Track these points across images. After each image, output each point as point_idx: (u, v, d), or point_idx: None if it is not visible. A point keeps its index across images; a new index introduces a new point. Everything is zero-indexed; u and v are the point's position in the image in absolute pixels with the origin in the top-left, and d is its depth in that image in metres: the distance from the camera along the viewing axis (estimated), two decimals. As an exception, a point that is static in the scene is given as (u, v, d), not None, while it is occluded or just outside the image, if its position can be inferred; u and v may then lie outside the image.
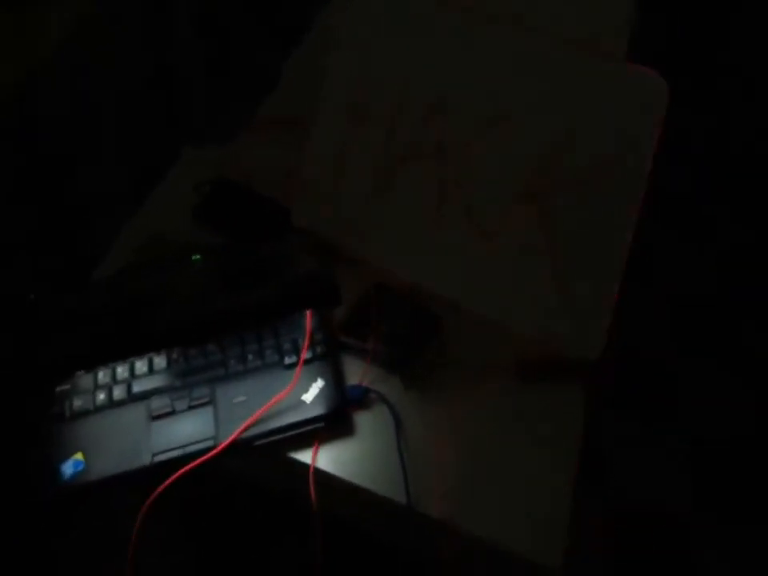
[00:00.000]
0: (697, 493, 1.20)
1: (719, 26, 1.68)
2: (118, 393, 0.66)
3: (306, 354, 0.67)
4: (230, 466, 0.66)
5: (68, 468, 0.62)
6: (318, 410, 0.65)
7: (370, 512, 0.68)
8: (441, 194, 0.72)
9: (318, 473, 0.64)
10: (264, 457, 0.66)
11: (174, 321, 0.63)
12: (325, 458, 0.65)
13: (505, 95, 0.69)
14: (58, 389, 0.67)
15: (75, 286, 0.71)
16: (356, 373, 0.70)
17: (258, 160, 0.84)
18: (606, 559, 1.12)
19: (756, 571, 1.13)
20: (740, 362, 1.35)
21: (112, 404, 0.66)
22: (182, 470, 0.60)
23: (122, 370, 0.68)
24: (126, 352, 0.66)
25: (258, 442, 0.64)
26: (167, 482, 0.59)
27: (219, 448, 0.62)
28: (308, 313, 0.69)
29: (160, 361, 0.68)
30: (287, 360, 0.68)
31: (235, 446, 0.62)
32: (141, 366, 0.68)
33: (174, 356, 0.68)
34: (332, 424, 0.66)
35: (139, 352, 0.68)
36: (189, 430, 0.64)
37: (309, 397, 0.66)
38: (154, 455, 0.62)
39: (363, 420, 0.67)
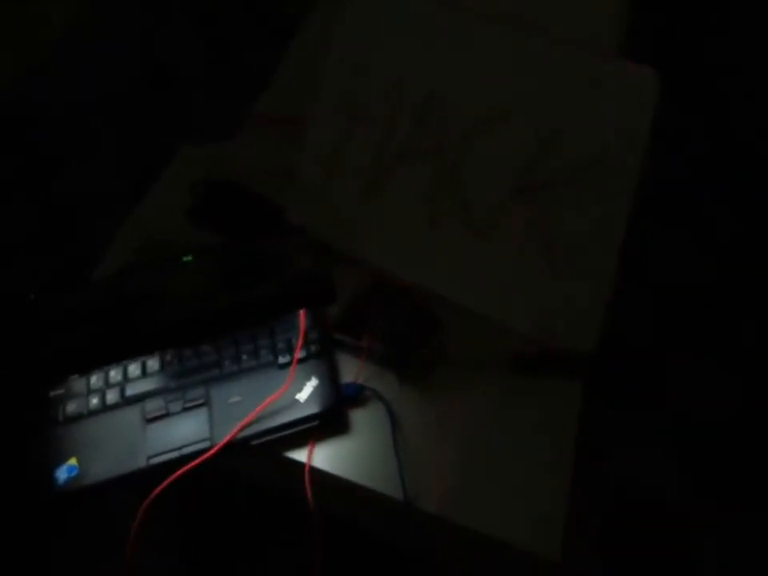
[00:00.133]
0: (689, 481, 1.21)
1: (717, 22, 1.69)
2: (112, 396, 0.66)
3: (300, 353, 0.67)
4: (226, 467, 0.66)
5: (62, 473, 0.62)
6: (313, 409, 0.65)
7: (367, 509, 0.68)
8: (437, 193, 0.72)
9: (314, 471, 0.64)
10: (260, 457, 0.66)
11: (171, 321, 0.62)
12: (321, 457, 0.65)
13: (501, 94, 0.69)
14: (52, 393, 0.66)
15: (72, 287, 0.70)
16: (351, 371, 0.70)
17: (253, 159, 0.83)
18: (603, 550, 1.12)
19: (752, 557, 1.13)
20: (731, 353, 1.36)
21: (105, 408, 0.66)
22: (179, 472, 0.60)
23: (114, 374, 0.67)
24: (123, 353, 0.65)
25: (253, 442, 0.64)
26: (164, 484, 0.59)
27: (215, 449, 0.62)
28: (301, 312, 0.69)
29: (153, 363, 0.68)
30: (281, 359, 0.68)
31: (231, 446, 0.62)
32: (134, 368, 0.68)
33: (168, 358, 0.68)
34: (327, 422, 0.66)
35: (136, 353, 0.67)
36: (184, 432, 0.64)
37: (303, 396, 0.65)
38: (149, 458, 0.62)
39: (359, 418, 0.67)
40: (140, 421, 0.65)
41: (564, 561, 0.59)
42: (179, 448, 0.63)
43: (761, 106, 1.64)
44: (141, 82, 1.60)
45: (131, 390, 0.66)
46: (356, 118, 0.74)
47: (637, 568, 1.12)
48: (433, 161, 0.72)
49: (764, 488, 1.20)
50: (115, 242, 0.81)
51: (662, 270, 1.44)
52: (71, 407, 0.66)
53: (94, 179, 1.48)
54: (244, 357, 0.68)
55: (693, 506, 1.18)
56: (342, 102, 0.74)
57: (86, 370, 0.67)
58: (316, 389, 0.66)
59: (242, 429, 0.63)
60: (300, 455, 0.65)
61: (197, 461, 0.61)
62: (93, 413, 0.65)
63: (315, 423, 0.65)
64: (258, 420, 0.64)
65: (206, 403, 0.65)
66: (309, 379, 0.66)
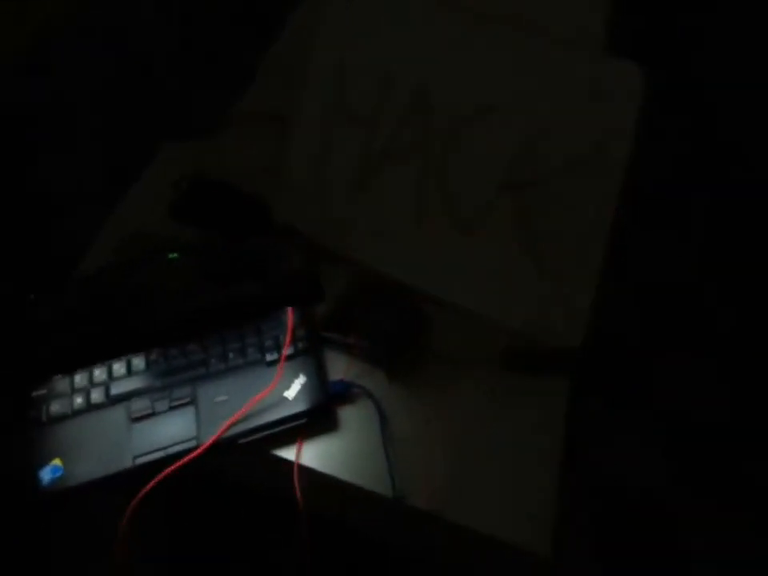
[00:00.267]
0: (678, 480, 1.22)
1: (700, 20, 1.70)
2: (96, 396, 0.65)
3: (288, 350, 0.67)
4: (214, 466, 0.66)
5: (46, 474, 0.61)
6: (301, 406, 0.65)
7: (357, 507, 0.68)
8: (424, 190, 0.71)
9: (303, 469, 0.63)
10: (247, 455, 0.65)
11: (158, 319, 0.61)
12: (309, 455, 0.64)
13: (487, 91, 0.69)
14: (34, 393, 0.65)
15: (55, 286, 0.69)
16: (339, 369, 0.69)
17: (236, 156, 0.83)
18: (592, 544, 1.13)
19: (739, 556, 1.15)
20: (718, 351, 1.37)
21: (90, 407, 0.65)
22: (165, 472, 0.59)
23: (99, 373, 0.66)
24: (109, 352, 0.65)
25: (241, 441, 0.63)
26: (150, 484, 0.58)
27: (202, 448, 0.61)
28: (289, 309, 0.68)
29: (138, 362, 0.67)
30: (269, 357, 0.67)
31: (218, 445, 0.62)
32: (119, 367, 0.67)
33: (153, 356, 0.67)
34: (315, 420, 0.65)
35: (122, 351, 0.67)
36: (170, 431, 0.63)
37: (291, 393, 0.65)
38: (135, 458, 0.61)
39: (347, 415, 0.67)
40: (125, 420, 0.64)
41: (556, 558, 0.59)
42: (165, 448, 0.62)
43: (741, 98, 1.65)
44: (120, 77, 1.58)
45: (116, 389, 0.65)
46: (343, 116, 0.73)
47: (626, 566, 1.13)
48: (419, 158, 0.71)
49: (752, 487, 1.22)
50: (97, 239, 0.80)
51: (645, 267, 1.45)
52: (55, 407, 0.65)
53: (73, 177, 1.46)
54: (231, 355, 0.67)
55: (681, 504, 1.19)
56: (328, 100, 0.74)
57: (70, 370, 0.66)
58: (304, 386, 0.65)
59: (230, 427, 0.62)
60: (288, 453, 0.64)
61: (184, 460, 0.60)
62: (77, 413, 0.64)
63: (303, 421, 0.65)
64: (245, 418, 0.63)
65: (193, 402, 0.65)
66: (297, 377, 0.66)
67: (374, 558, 0.97)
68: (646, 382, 1.32)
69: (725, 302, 1.43)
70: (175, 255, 0.68)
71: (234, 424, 0.63)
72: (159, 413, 0.64)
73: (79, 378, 0.66)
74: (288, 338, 0.67)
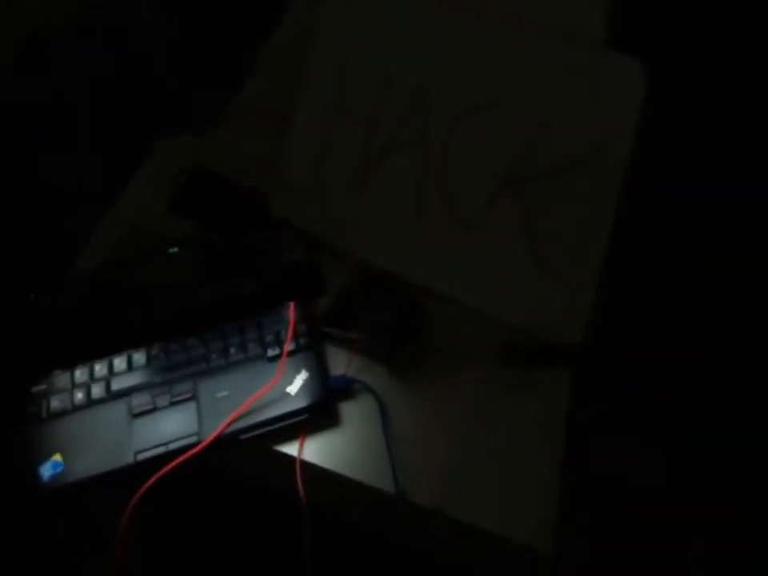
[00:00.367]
0: (676, 475, 1.22)
1: (700, 20, 1.70)
2: (97, 391, 0.65)
3: (289, 346, 0.66)
4: (215, 462, 0.65)
5: (46, 470, 0.60)
6: (303, 402, 0.64)
7: (358, 502, 0.68)
8: (424, 187, 0.71)
9: (305, 465, 0.63)
10: (249, 451, 0.65)
11: (159, 314, 0.61)
12: (311, 450, 0.64)
13: (487, 87, 0.69)
14: (34, 389, 0.65)
15: (51, 284, 0.69)
16: (340, 364, 0.69)
17: (234, 150, 0.82)
18: (592, 544, 1.13)
19: (738, 555, 1.15)
20: (714, 347, 1.37)
21: (91, 403, 0.64)
22: (167, 468, 0.59)
23: (100, 368, 0.66)
24: (111, 347, 0.64)
25: (242, 437, 0.63)
26: (152, 480, 0.58)
27: (203, 444, 0.61)
28: (291, 304, 0.68)
29: (139, 357, 0.67)
30: (270, 352, 0.67)
31: (220, 441, 0.61)
32: (119, 362, 0.66)
33: (154, 352, 0.67)
34: (317, 415, 0.65)
35: (123, 347, 0.66)
36: (172, 427, 0.63)
37: (293, 389, 0.65)
38: (136, 453, 0.61)
39: (349, 410, 0.67)
40: (126, 416, 0.64)
41: (555, 558, 0.59)
42: (167, 443, 0.62)
43: (739, 93, 1.66)
44: (120, 77, 1.58)
45: (117, 385, 0.65)
46: (343, 115, 0.73)
47: (626, 566, 1.13)
48: (419, 157, 0.71)
49: (752, 487, 1.21)
50: (95, 235, 0.80)
51: (645, 267, 1.45)
52: (55, 402, 0.64)
53: (73, 177, 1.46)
54: (232, 350, 0.67)
55: (681, 504, 1.19)
56: (328, 100, 0.74)
57: (71, 365, 0.66)
58: (306, 382, 0.65)
59: (231, 423, 0.62)
60: (289, 449, 0.64)
61: (185, 456, 0.60)
62: (77, 408, 0.64)
63: (305, 417, 0.64)
64: (247, 414, 0.63)
65: (194, 397, 0.65)
66: (299, 372, 0.66)
67: (375, 554, 0.97)
68: (645, 382, 1.32)
69: (725, 302, 1.43)
70: (176, 250, 0.67)
71: (235, 420, 0.62)
72: (160, 408, 0.64)
73: (79, 373, 0.66)
74: (290, 334, 0.67)
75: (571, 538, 1.05)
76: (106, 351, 0.66)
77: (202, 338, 0.68)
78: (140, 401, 0.64)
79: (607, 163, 0.67)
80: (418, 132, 0.71)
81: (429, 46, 0.70)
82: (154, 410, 0.64)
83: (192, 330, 0.67)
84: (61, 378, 0.66)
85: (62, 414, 0.64)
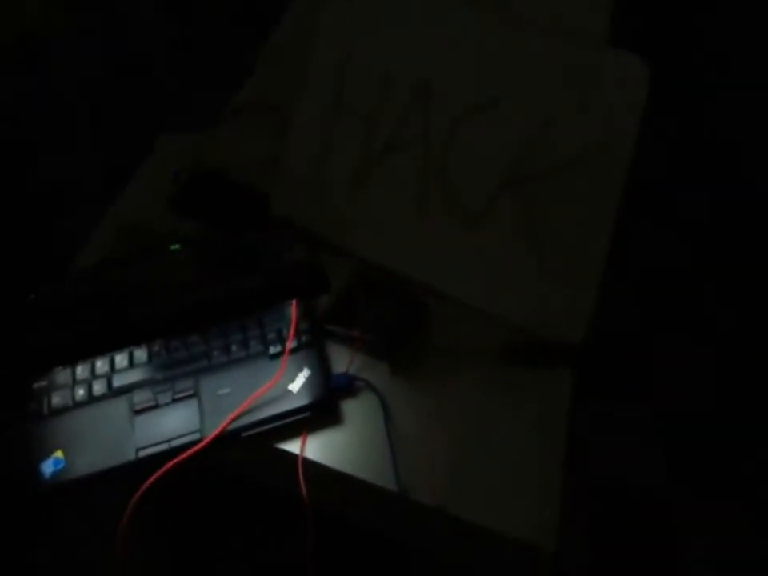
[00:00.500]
0: (676, 475, 1.22)
1: (700, 20, 1.70)
2: (98, 387, 0.65)
3: (291, 343, 0.66)
4: (216, 460, 0.65)
5: (48, 467, 0.60)
6: (305, 400, 0.64)
7: (360, 500, 0.68)
8: (425, 185, 0.71)
9: (307, 462, 0.63)
10: (251, 449, 0.65)
11: (162, 311, 0.61)
12: (313, 448, 0.64)
13: (489, 84, 0.69)
14: (35, 385, 0.65)
15: (51, 283, 0.69)
16: (342, 361, 0.69)
17: (235, 149, 0.82)
18: (592, 544, 1.13)
19: (738, 555, 1.15)
20: (714, 347, 1.38)
21: (92, 399, 0.64)
22: (168, 465, 0.59)
23: (101, 364, 0.66)
24: (113, 344, 0.64)
25: (244, 434, 0.63)
26: (154, 477, 0.58)
27: (206, 441, 0.60)
28: (293, 301, 0.68)
29: (141, 354, 0.66)
30: (272, 350, 0.67)
31: (222, 438, 0.61)
32: (121, 359, 0.66)
33: (156, 348, 0.67)
34: (319, 413, 0.65)
35: (125, 344, 0.66)
36: (173, 424, 0.63)
37: (295, 386, 0.65)
38: (138, 451, 0.61)
39: (351, 408, 0.67)
40: (128, 413, 0.63)
41: (556, 558, 0.59)
42: (169, 440, 0.61)
43: (737, 92, 1.66)
44: (120, 77, 1.58)
45: (118, 381, 0.65)
46: (343, 110, 0.73)
47: (626, 566, 1.13)
48: (420, 152, 0.71)
49: (752, 487, 1.21)
50: (95, 234, 0.80)
51: (645, 267, 1.45)
52: (56, 399, 0.64)
53: (73, 177, 1.46)
54: (233, 347, 0.67)
55: (681, 504, 1.19)
56: (328, 99, 0.74)
57: (73, 362, 0.65)
58: (308, 379, 0.65)
59: (233, 420, 0.62)
60: (292, 447, 0.64)
61: (187, 453, 0.60)
62: (79, 404, 0.64)
63: (307, 414, 0.64)
64: (249, 411, 0.63)
65: (196, 394, 0.64)
66: (300, 370, 0.65)
67: (376, 552, 0.96)
68: (645, 382, 1.32)
69: (725, 302, 1.43)
70: (177, 247, 0.67)
71: (237, 417, 0.62)
72: (162, 405, 0.64)
73: (81, 370, 0.66)
74: (292, 331, 0.67)
75: (571, 538, 1.04)
76: (107, 349, 0.66)
77: (204, 335, 0.67)
78: (141, 398, 0.64)
79: (608, 163, 0.67)
80: (418, 131, 0.71)
81: (429, 46, 0.70)
82: (156, 406, 0.64)
83: (194, 328, 0.67)
84: (62, 375, 0.66)
85: (63, 410, 0.64)
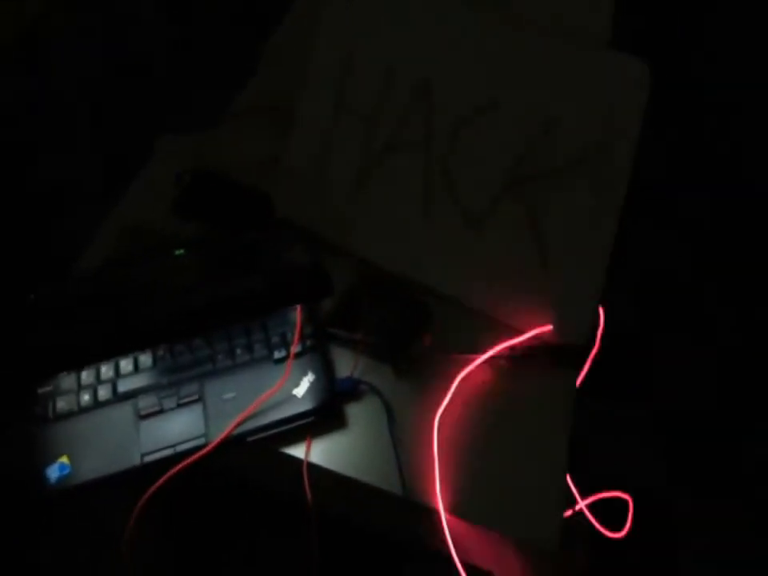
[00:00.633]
0: (676, 475, 1.22)
1: (700, 20, 1.70)
2: (103, 393, 0.64)
3: (296, 348, 0.66)
4: (222, 464, 0.65)
5: (53, 472, 0.60)
6: (310, 404, 0.64)
7: (365, 504, 0.68)
8: (428, 185, 0.71)
9: (312, 467, 0.63)
10: (256, 453, 0.65)
11: (166, 315, 0.61)
12: (318, 452, 0.64)
13: (490, 83, 0.69)
14: (40, 390, 0.65)
15: (52, 283, 0.69)
16: (345, 364, 0.69)
17: (235, 150, 0.82)
18: (592, 544, 1.13)
19: (737, 555, 1.15)
20: (714, 348, 1.38)
21: (97, 404, 0.64)
22: (174, 470, 0.59)
23: (106, 369, 0.66)
24: (117, 348, 0.64)
25: (249, 439, 0.63)
26: (159, 481, 0.58)
27: (211, 446, 0.60)
28: (298, 306, 0.68)
29: (146, 359, 0.66)
30: (276, 354, 0.67)
31: (226, 443, 0.61)
32: (126, 364, 0.66)
33: (160, 353, 0.66)
34: (324, 417, 0.65)
35: (130, 348, 0.66)
36: (178, 429, 0.62)
37: (300, 391, 0.65)
38: (143, 455, 0.61)
39: (355, 412, 0.67)
40: (133, 417, 0.63)
41: (556, 558, 0.59)
42: (174, 445, 0.61)
43: (736, 92, 1.66)
44: (121, 77, 1.57)
45: (123, 386, 0.65)
46: (344, 110, 0.73)
47: (627, 566, 1.13)
48: (421, 152, 0.71)
49: (752, 487, 1.22)
50: (98, 235, 0.79)
51: (645, 267, 1.45)
52: (61, 404, 0.64)
53: (73, 177, 1.46)
54: (238, 351, 0.67)
55: (681, 504, 1.19)
56: (329, 99, 0.74)
57: (78, 367, 0.65)
58: (313, 384, 0.65)
59: (238, 425, 0.62)
60: (296, 451, 0.64)
61: (193, 458, 0.60)
62: (84, 410, 0.64)
63: (312, 419, 0.64)
64: (253, 416, 0.63)
65: (201, 399, 0.64)
66: (305, 374, 0.65)
67: (381, 556, 0.97)
68: (646, 382, 1.32)
69: (725, 302, 1.43)
70: (182, 252, 0.67)
71: (242, 422, 0.62)
72: (167, 410, 0.64)
73: (86, 375, 0.65)
74: (297, 336, 0.67)
75: (571, 540, 1.05)
76: (108, 350, 0.66)
77: (208, 339, 0.67)
78: (146, 402, 0.64)
79: (610, 163, 0.67)
80: (418, 132, 0.71)
81: (429, 46, 0.70)
82: (161, 411, 0.64)
83: (196, 330, 0.67)
84: (67, 380, 0.65)
85: (68, 415, 0.64)
